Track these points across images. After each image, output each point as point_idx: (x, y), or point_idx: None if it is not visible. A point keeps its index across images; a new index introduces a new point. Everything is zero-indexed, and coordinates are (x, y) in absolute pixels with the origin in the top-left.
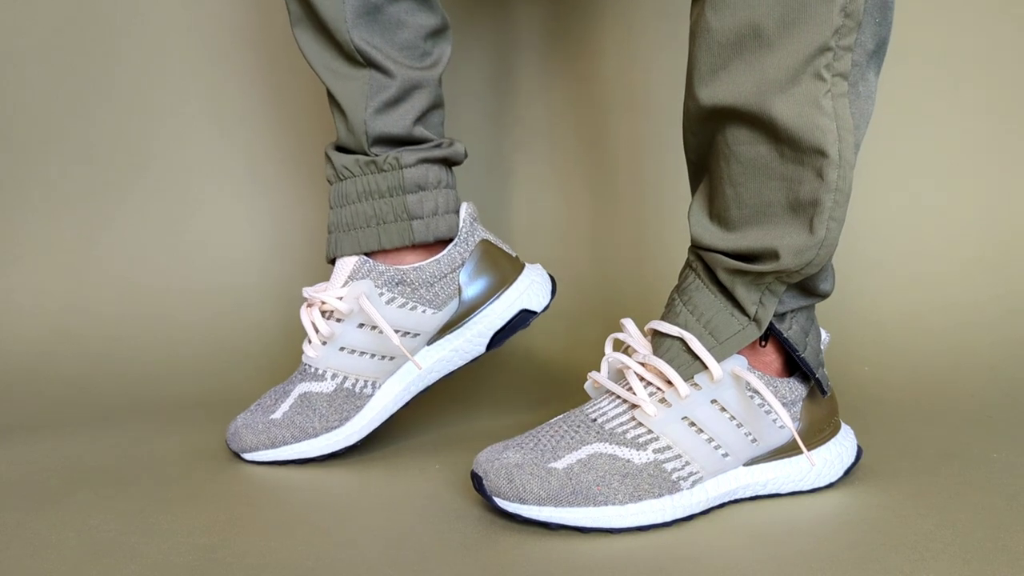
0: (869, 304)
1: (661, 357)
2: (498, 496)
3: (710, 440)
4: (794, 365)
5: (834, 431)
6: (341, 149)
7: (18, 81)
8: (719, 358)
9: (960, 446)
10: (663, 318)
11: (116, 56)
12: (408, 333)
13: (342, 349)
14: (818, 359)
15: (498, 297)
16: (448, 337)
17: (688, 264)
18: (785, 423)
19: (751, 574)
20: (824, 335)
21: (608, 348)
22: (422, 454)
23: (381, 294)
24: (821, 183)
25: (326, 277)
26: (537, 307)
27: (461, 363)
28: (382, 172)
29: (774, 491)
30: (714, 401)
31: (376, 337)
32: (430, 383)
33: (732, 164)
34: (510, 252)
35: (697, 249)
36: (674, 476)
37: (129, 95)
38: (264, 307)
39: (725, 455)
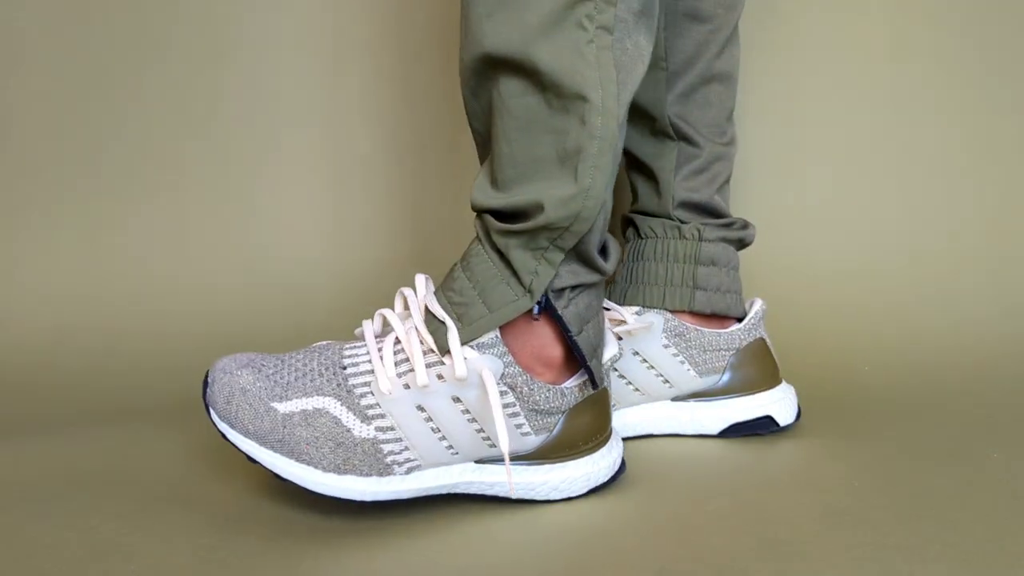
0: (868, 304)
1: (431, 333)
2: (213, 409)
3: (437, 431)
4: (579, 365)
5: (596, 448)
6: (639, 212)
7: (19, 81)
8: (490, 327)
9: (960, 446)
10: (442, 285)
11: (117, 56)
12: (665, 380)
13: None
14: (595, 353)
15: (753, 394)
16: (691, 403)
17: (475, 232)
18: (499, 443)
19: (751, 573)
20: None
21: (397, 302)
22: None
23: (666, 345)
24: (583, 128)
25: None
26: (782, 421)
27: (681, 431)
28: (683, 239)
29: (501, 493)
30: (456, 399)
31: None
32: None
33: (506, 119)
34: (777, 363)
35: (477, 213)
36: (388, 459)
37: (130, 95)
38: (264, 307)
39: (452, 451)
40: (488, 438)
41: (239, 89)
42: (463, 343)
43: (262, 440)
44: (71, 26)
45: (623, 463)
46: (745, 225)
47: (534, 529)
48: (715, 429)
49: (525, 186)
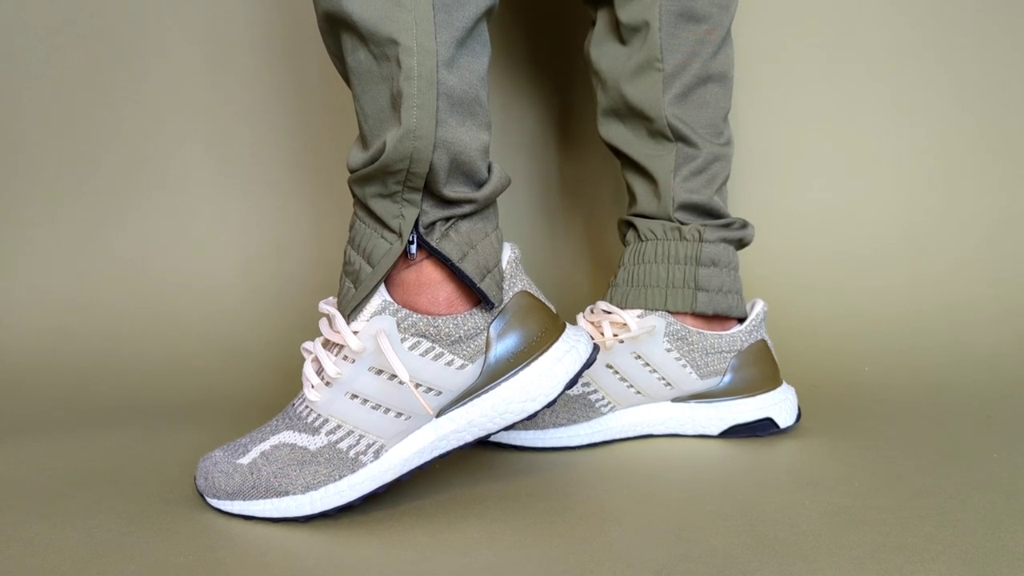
0: (869, 304)
1: (326, 327)
2: (202, 492)
3: (378, 407)
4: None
5: (547, 345)
6: (638, 215)
7: (19, 81)
8: (375, 280)
9: (960, 446)
10: (341, 274)
11: (117, 56)
12: (667, 383)
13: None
14: (488, 273)
15: (753, 395)
16: (691, 404)
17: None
18: (400, 376)
19: (751, 573)
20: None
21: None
22: None
23: (668, 349)
24: (400, 71)
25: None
26: (782, 423)
27: (681, 432)
28: (684, 240)
29: (483, 433)
30: (377, 370)
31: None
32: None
33: (351, 77)
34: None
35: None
36: (352, 454)
37: (129, 95)
38: (264, 306)
39: (403, 416)
40: (430, 389)
41: (241, 89)
42: (356, 306)
43: (242, 494)
44: (71, 25)
45: (595, 347)
46: (744, 225)
47: (533, 529)
48: (715, 430)
49: (378, 139)
